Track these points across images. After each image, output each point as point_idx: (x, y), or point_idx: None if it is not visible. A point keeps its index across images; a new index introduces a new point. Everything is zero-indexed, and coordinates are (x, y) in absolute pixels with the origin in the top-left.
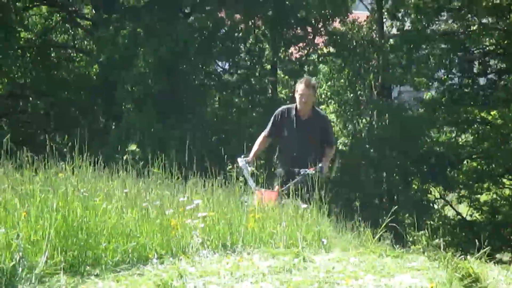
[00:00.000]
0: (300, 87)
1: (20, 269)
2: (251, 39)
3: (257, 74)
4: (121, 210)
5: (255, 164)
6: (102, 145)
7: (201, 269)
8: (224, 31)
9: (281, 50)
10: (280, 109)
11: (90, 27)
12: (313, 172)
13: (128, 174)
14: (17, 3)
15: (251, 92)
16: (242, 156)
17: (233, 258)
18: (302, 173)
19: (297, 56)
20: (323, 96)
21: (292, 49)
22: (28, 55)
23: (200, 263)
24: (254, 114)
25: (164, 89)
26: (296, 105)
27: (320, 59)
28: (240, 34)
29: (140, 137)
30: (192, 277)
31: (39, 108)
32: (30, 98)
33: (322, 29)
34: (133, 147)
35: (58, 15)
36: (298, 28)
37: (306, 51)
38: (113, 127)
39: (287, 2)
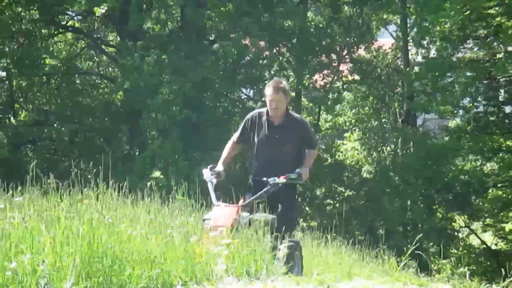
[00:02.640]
0: (268, 91)
1: None
2: (275, 66)
3: None
4: (146, 236)
5: (224, 174)
6: (127, 172)
7: None
8: (248, 58)
9: (306, 78)
10: (251, 113)
11: (114, 54)
12: (284, 181)
13: (153, 201)
14: (42, 30)
15: None
16: (209, 167)
17: (257, 286)
18: (270, 182)
19: (322, 83)
20: (347, 123)
21: (316, 77)
22: (53, 81)
23: None
24: None
25: (189, 117)
26: (267, 109)
27: (344, 87)
28: (265, 61)
29: (164, 164)
30: None
31: (63, 135)
32: (55, 125)
33: (346, 57)
34: (157, 174)
35: (83, 42)
36: (323, 56)
37: (330, 79)
38: (137, 154)
39: (311, 30)
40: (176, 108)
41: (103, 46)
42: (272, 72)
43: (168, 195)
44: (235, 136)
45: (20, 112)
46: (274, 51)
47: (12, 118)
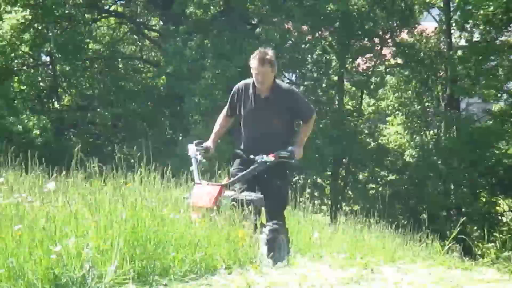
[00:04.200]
0: (253, 63)
1: (90, 278)
2: (317, 51)
3: (323, 85)
4: (189, 220)
5: (213, 150)
6: (169, 156)
7: (269, 279)
8: (291, 42)
9: (348, 62)
10: (237, 84)
11: (157, 38)
12: (272, 159)
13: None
14: (85, 15)
15: (318, 104)
16: (194, 142)
17: (300, 269)
18: (258, 160)
19: (364, 67)
20: (390, 107)
21: (359, 60)
22: (96, 66)
23: (268, 274)
24: (320, 125)
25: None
26: (253, 81)
27: (387, 71)
28: (307, 46)
29: None
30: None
31: (106, 119)
32: (98, 109)
33: (389, 41)
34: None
35: (126, 26)
36: (365, 39)
37: (373, 63)
38: (180, 138)
39: (354, 14)
40: (218, 92)
41: (146, 31)
42: (315, 56)
43: (212, 179)
44: (225, 109)
45: (63, 97)
46: (317, 35)
47: (55, 103)
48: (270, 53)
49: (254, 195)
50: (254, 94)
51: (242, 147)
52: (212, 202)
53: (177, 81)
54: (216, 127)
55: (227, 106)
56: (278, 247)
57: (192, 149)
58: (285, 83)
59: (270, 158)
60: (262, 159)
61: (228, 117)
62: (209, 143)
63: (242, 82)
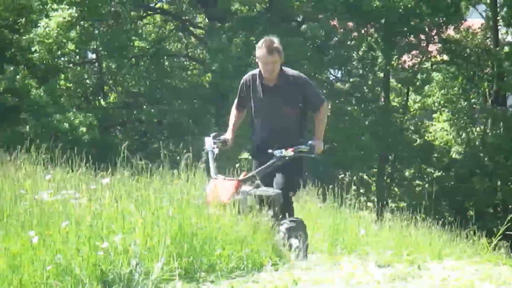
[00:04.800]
0: (261, 53)
1: (137, 275)
2: (363, 47)
3: (369, 82)
4: (235, 217)
5: (231, 142)
6: None
7: (315, 276)
8: (336, 39)
9: (394, 58)
10: (245, 76)
11: (203, 36)
12: (291, 154)
13: None
14: (131, 13)
15: (364, 100)
16: (212, 135)
17: (345, 266)
18: (277, 155)
19: (410, 64)
20: (436, 104)
21: (405, 57)
22: (142, 63)
23: (314, 270)
24: (366, 122)
25: None
26: (260, 70)
27: (433, 67)
28: (353, 42)
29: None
30: (307, 285)
31: (152, 117)
32: (144, 107)
33: (435, 37)
34: (245, 155)
35: (171, 24)
36: (411, 36)
37: (419, 59)
38: None
39: (400, 10)
40: None
41: (191, 28)
42: (360, 53)
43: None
44: (235, 102)
45: (109, 94)
46: (362, 32)
47: (101, 100)
48: (276, 41)
49: (272, 191)
50: (262, 84)
51: (256, 138)
52: (228, 198)
53: (222, 79)
54: (232, 119)
55: (236, 99)
56: (299, 245)
57: (209, 142)
58: (293, 70)
59: (289, 152)
60: (280, 153)
61: (240, 110)
62: (227, 135)
63: (249, 73)
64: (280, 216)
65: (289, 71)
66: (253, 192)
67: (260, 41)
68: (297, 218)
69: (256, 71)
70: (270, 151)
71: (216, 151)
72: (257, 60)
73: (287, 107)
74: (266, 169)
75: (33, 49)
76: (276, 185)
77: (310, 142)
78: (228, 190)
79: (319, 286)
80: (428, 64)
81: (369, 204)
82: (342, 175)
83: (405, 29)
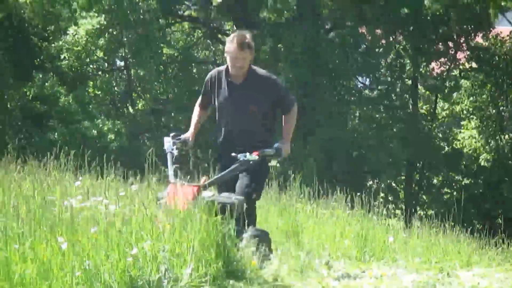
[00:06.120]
0: (231, 47)
1: (166, 281)
2: (391, 55)
3: (397, 89)
4: (264, 221)
5: (192, 143)
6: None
7: (344, 283)
8: (364, 46)
9: (422, 66)
10: (210, 72)
11: None
12: (256, 158)
13: (270, 188)
14: (160, 20)
15: (392, 108)
16: (171, 135)
17: (374, 271)
18: (240, 159)
19: (438, 71)
20: (464, 111)
21: (433, 64)
22: (170, 71)
23: (343, 278)
24: (394, 129)
25: (304, 105)
26: (227, 66)
27: (461, 74)
28: (381, 50)
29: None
30: None
31: (180, 124)
32: (172, 114)
33: (464, 44)
34: (273, 162)
35: (199, 31)
36: (440, 43)
37: (447, 66)
38: None
39: (428, 18)
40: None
41: (219, 35)
42: (389, 60)
43: (286, 183)
44: (199, 100)
45: (138, 101)
46: (391, 39)
47: (130, 107)
48: (248, 36)
49: (235, 197)
50: (227, 81)
51: (220, 140)
52: (186, 204)
53: None
54: (194, 118)
55: (200, 96)
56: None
57: (167, 142)
58: (262, 69)
59: (254, 156)
60: (244, 157)
61: (203, 108)
62: (188, 134)
63: (215, 70)
64: (246, 222)
65: (259, 70)
66: (215, 198)
67: (231, 35)
68: (261, 229)
69: (222, 67)
70: (233, 154)
71: (176, 152)
72: (225, 55)
73: (254, 106)
74: (229, 173)
75: (62, 56)
76: (239, 189)
77: (276, 145)
78: (187, 196)
79: None
80: (456, 72)
81: (397, 211)
82: (370, 182)
83: (434, 36)
